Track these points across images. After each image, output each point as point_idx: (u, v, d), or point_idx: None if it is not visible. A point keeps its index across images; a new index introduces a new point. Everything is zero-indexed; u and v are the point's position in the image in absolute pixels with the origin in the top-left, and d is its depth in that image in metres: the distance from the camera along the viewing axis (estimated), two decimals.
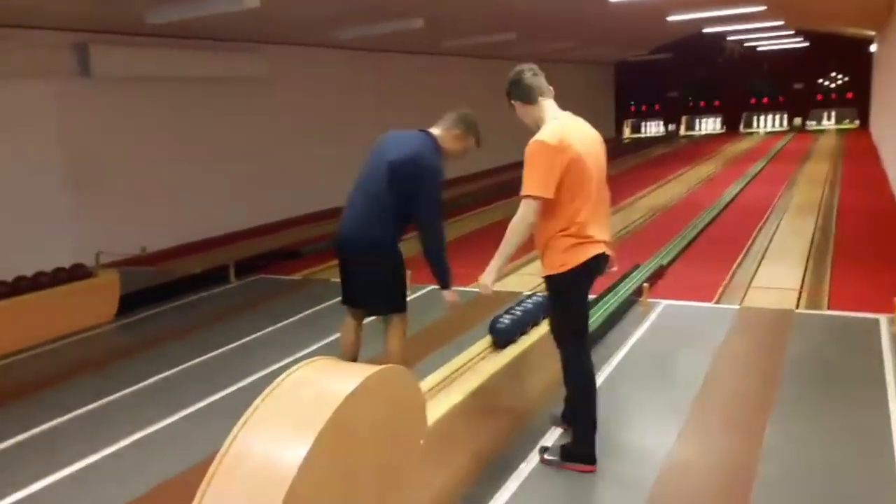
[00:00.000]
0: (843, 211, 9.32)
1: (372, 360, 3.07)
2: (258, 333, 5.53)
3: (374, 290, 3.66)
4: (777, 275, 6.44)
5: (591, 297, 4.35)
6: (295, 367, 2.37)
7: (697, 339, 4.92)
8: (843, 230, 8.17)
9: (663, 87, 23.80)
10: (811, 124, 22.42)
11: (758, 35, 18.41)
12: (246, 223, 10.01)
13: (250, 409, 2.17)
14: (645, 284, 5.75)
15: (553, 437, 3.53)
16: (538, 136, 3.07)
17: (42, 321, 5.60)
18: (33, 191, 7.55)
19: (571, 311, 3.23)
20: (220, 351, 5.18)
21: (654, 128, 24.67)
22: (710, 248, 7.71)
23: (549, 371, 3.80)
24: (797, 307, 5.49)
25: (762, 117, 23.32)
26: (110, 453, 3.70)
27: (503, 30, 12.18)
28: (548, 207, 3.04)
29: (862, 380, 4.12)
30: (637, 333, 5.04)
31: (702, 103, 23.89)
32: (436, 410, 3.68)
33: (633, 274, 6.32)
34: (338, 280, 3.80)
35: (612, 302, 5.44)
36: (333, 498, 2.16)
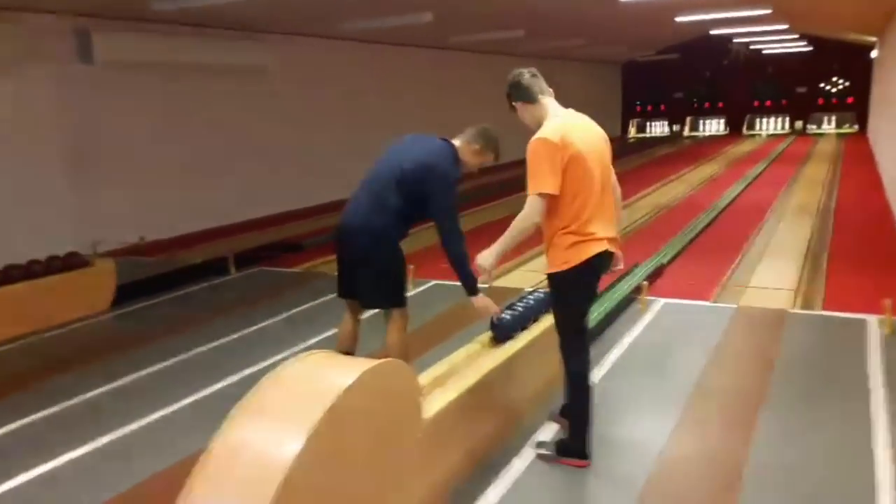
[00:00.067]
0: (839, 213, 9.36)
1: (372, 355, 3.05)
2: (256, 326, 5.52)
3: (371, 284, 3.64)
4: (774, 275, 6.48)
5: None
6: (291, 360, 2.36)
7: (694, 337, 4.96)
8: (839, 232, 8.22)
9: (669, 87, 23.86)
10: (812, 128, 22.49)
11: (763, 38, 18.43)
12: (247, 214, 10.00)
13: (245, 402, 2.17)
14: (644, 282, 5.76)
15: (549, 432, 3.54)
16: (539, 134, 3.06)
17: (34, 310, 5.53)
18: (32, 178, 7.53)
19: (573, 308, 3.23)
20: (216, 343, 5.17)
21: (658, 128, 24.77)
22: (709, 248, 7.74)
23: (549, 367, 3.80)
24: (792, 307, 5.54)
25: (765, 120, 23.37)
26: (103, 444, 3.69)
27: (512, 27, 12.15)
28: (550, 205, 3.04)
29: (851, 378, 4.18)
30: (635, 331, 5.07)
31: (706, 104, 23.92)
32: (432, 405, 3.67)
33: (634, 271, 6.33)
34: None
35: (611, 299, 5.45)
36: (328, 491, 2.15)
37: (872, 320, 5.06)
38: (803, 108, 22.63)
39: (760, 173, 13.75)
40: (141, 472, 3.36)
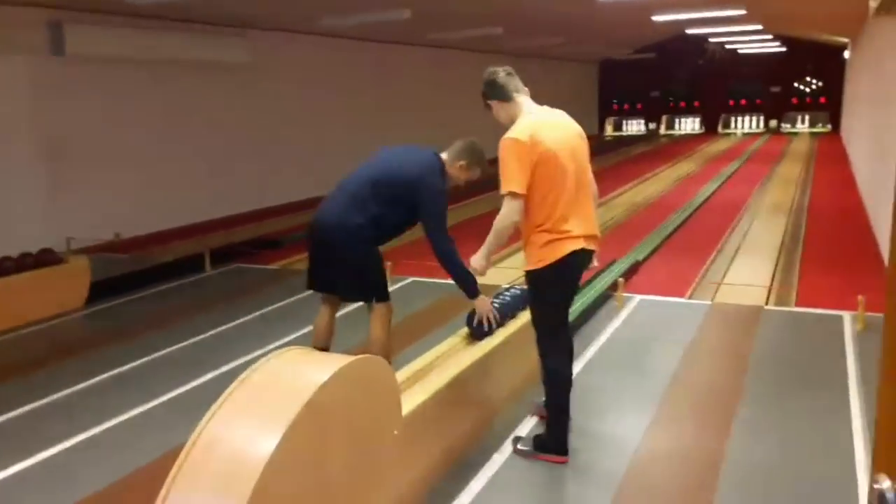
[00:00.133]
0: (813, 211, 9.51)
1: (349, 350, 3.05)
2: (233, 323, 5.48)
3: (349, 280, 3.66)
4: (748, 272, 6.57)
5: None
6: (267, 357, 2.35)
7: (669, 333, 5.01)
8: (812, 229, 8.35)
9: (645, 86, 24.05)
10: (786, 127, 22.82)
11: (738, 38, 18.65)
12: (224, 211, 9.91)
13: (221, 399, 2.15)
14: (620, 279, 5.81)
15: (527, 428, 3.56)
16: (509, 133, 3.07)
17: (6, 308, 5.44)
18: (2, 172, 7.38)
19: (549, 305, 3.24)
20: (192, 340, 5.12)
21: (635, 126, 24.94)
22: (684, 245, 7.82)
23: (526, 363, 3.82)
24: (766, 303, 5.62)
25: (740, 118, 23.68)
26: (79, 442, 3.65)
27: (489, 24, 12.16)
28: (526, 203, 3.05)
29: (824, 374, 4.25)
30: (611, 327, 5.11)
31: (682, 103, 24.18)
32: (410, 401, 3.68)
33: (610, 268, 6.38)
34: None
35: (588, 295, 5.48)
36: (305, 488, 2.15)
37: (846, 316, 5.13)
38: (777, 108, 22.95)
39: (735, 171, 13.91)
40: (119, 470, 3.33)
